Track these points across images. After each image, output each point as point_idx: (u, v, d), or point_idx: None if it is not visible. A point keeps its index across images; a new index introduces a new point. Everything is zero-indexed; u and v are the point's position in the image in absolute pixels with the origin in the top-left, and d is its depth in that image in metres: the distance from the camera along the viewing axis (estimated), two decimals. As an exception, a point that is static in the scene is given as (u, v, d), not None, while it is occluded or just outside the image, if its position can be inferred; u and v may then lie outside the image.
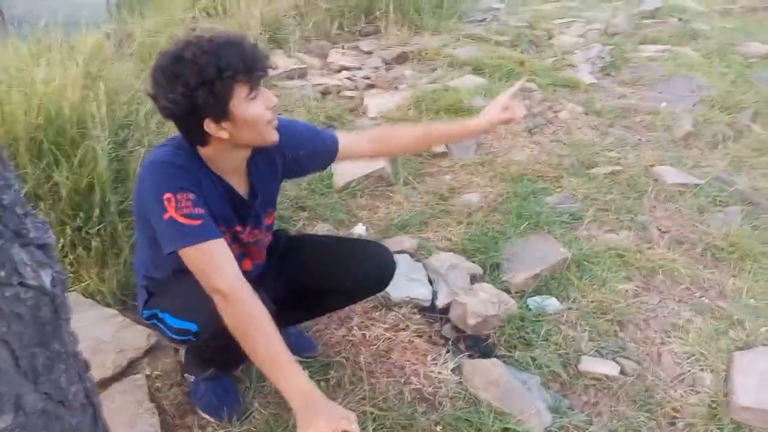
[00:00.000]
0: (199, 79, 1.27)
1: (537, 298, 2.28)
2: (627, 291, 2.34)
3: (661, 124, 3.78)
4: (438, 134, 1.98)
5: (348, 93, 4.19)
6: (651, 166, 3.26)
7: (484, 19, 6.06)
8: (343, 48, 5.00)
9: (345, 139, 1.71)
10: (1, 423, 0.69)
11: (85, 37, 3.13)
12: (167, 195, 1.32)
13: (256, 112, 1.36)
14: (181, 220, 1.32)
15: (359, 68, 4.62)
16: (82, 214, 2.01)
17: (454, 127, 1.96)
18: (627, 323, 2.19)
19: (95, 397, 0.88)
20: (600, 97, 4.28)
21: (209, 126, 1.35)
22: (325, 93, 4.15)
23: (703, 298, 2.32)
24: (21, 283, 0.69)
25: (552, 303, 2.26)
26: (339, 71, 4.59)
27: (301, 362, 1.83)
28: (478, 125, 1.79)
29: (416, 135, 1.87)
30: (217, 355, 1.58)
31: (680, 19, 5.97)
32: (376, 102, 3.96)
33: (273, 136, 1.43)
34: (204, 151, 1.43)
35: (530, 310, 2.21)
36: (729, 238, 2.63)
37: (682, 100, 4.08)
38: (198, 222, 1.33)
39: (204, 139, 1.39)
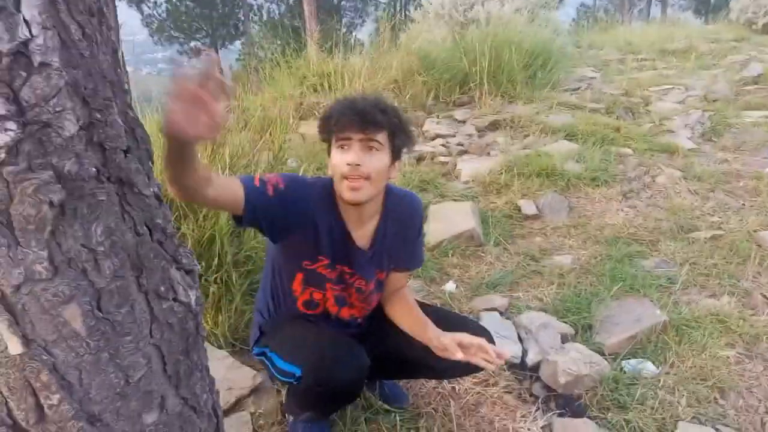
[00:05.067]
0: (322, 116, 1.59)
1: (632, 361, 2.24)
2: (728, 357, 2.24)
3: (766, 189, 3.64)
4: (410, 325, 1.76)
5: (442, 159, 4.36)
6: (755, 231, 3.13)
7: (578, 88, 6.12)
8: (438, 117, 5.23)
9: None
10: (149, 418, 0.84)
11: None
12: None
13: (334, 161, 1.56)
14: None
15: (453, 136, 4.81)
16: (203, 263, 2.25)
17: (418, 328, 1.72)
18: (728, 390, 2.10)
19: (219, 409, 1.02)
20: (700, 162, 4.19)
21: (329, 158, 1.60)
22: (419, 159, 4.34)
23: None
24: (175, 299, 0.85)
25: (648, 367, 2.21)
26: (434, 139, 4.79)
27: (391, 411, 1.93)
28: (430, 339, 1.63)
29: (409, 317, 1.77)
30: (316, 400, 1.70)
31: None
32: (469, 166, 4.10)
33: (345, 194, 1.56)
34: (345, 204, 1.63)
35: (625, 372, 2.18)
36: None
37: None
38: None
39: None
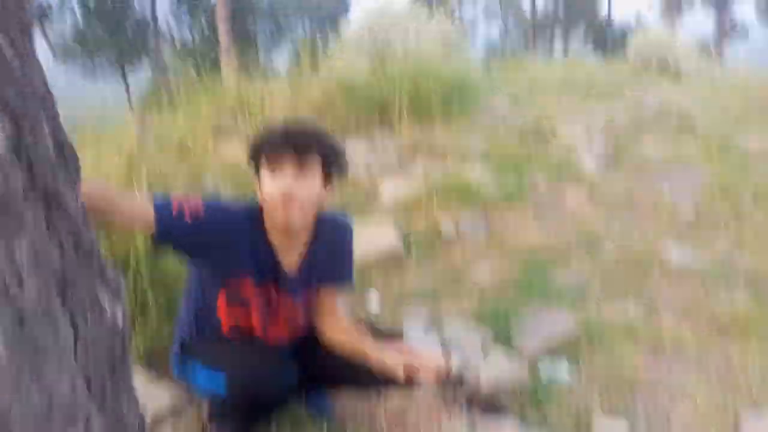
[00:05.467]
0: (253, 140, 1.57)
1: (547, 362, 2.34)
2: (636, 359, 2.39)
3: (666, 209, 3.94)
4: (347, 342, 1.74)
5: (362, 182, 4.42)
6: (656, 246, 3.37)
7: (491, 118, 6.41)
8: (358, 142, 5.31)
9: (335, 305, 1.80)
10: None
11: (122, 132, 3.44)
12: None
13: (268, 189, 1.54)
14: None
15: (373, 160, 4.89)
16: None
17: (355, 344, 1.70)
18: (637, 388, 2.23)
19: (146, 427, 0.99)
20: (604, 184, 4.48)
21: (257, 182, 1.59)
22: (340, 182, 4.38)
23: (710, 367, 2.36)
24: (101, 318, 0.84)
25: (563, 369, 2.31)
26: (354, 160, 4.85)
27: (317, 422, 1.91)
28: (369, 355, 1.63)
29: (344, 335, 1.76)
30: (238, 414, 1.67)
31: (679, 117, 6.28)
32: (390, 189, 4.18)
33: (279, 220, 1.56)
34: (272, 226, 1.62)
35: (542, 374, 2.27)
36: (734, 315, 2.69)
37: (685, 188, 4.26)
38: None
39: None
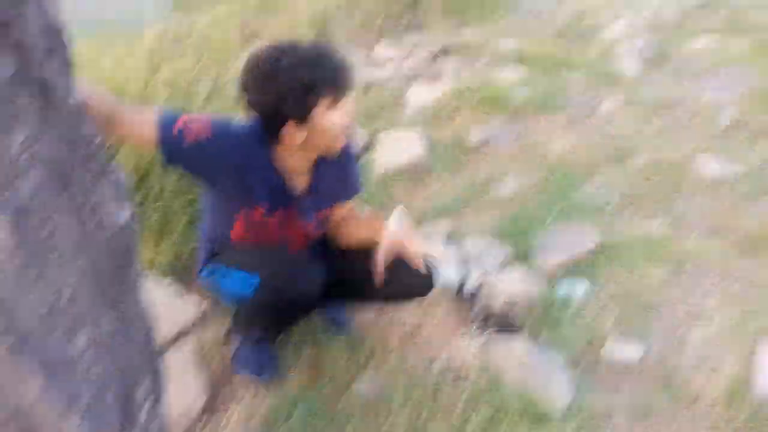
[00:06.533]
0: (292, 86, 1.43)
1: (566, 283, 2.35)
2: (656, 278, 2.38)
3: (705, 114, 3.75)
4: (363, 230, 1.78)
5: (391, 85, 4.30)
6: (691, 156, 3.25)
7: (529, 13, 6.06)
8: (388, 41, 5.12)
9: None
10: (80, 339, 0.83)
11: (146, 34, 3.37)
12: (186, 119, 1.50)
13: (336, 121, 1.51)
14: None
15: (403, 61, 4.73)
16: (142, 190, 2.20)
17: (370, 230, 1.73)
18: (654, 309, 2.24)
19: (153, 334, 1.03)
20: (644, 88, 4.26)
21: (290, 128, 1.49)
22: (369, 86, 4.27)
23: (732, 287, 2.34)
24: (105, 215, 0.84)
25: (581, 287, 2.32)
26: (383, 64, 4.70)
27: (334, 338, 1.98)
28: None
29: (359, 226, 1.79)
30: (271, 311, 1.71)
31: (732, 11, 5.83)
32: (418, 95, 4.06)
33: (340, 143, 1.57)
34: (279, 147, 1.58)
35: (559, 293, 2.29)
36: (763, 232, 2.62)
37: (728, 92, 4.02)
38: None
39: (278, 138, 1.53)
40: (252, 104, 1.51)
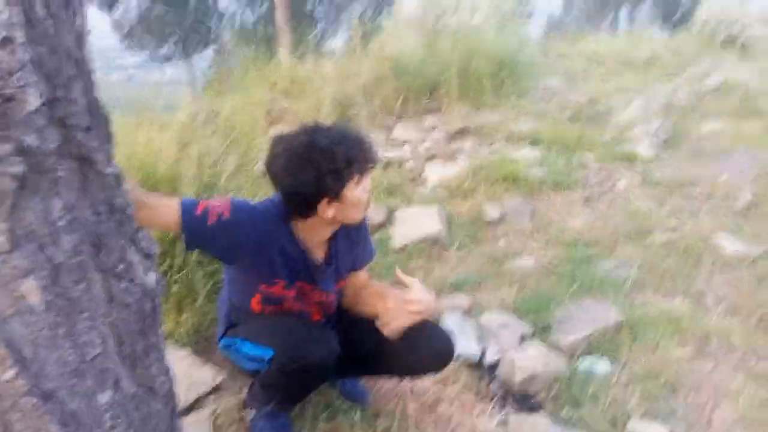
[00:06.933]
0: (330, 166, 1.52)
1: (587, 359, 2.31)
2: (680, 356, 2.33)
3: (721, 194, 3.78)
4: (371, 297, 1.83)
5: (409, 165, 4.42)
6: (709, 235, 3.26)
7: (544, 97, 6.25)
8: (406, 123, 5.29)
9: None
10: (103, 397, 0.86)
11: (178, 114, 3.56)
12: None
13: (363, 196, 1.60)
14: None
15: (421, 141, 4.87)
16: (167, 260, 2.25)
17: (378, 299, 1.79)
18: (679, 388, 2.18)
19: (175, 393, 1.05)
20: (659, 169, 4.32)
21: (323, 205, 1.57)
22: (387, 165, 4.39)
23: (757, 366, 2.29)
24: (132, 280, 0.88)
25: (602, 365, 2.28)
26: (402, 145, 4.85)
27: (350, 410, 1.96)
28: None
29: (369, 293, 1.85)
30: (286, 382, 1.71)
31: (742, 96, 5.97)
32: (436, 172, 4.16)
33: (358, 217, 1.67)
34: (299, 222, 1.65)
35: (580, 370, 2.25)
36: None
37: (742, 173, 4.07)
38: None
39: (310, 213, 1.61)
40: (286, 184, 1.58)
